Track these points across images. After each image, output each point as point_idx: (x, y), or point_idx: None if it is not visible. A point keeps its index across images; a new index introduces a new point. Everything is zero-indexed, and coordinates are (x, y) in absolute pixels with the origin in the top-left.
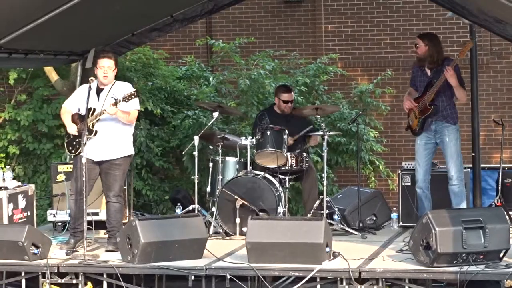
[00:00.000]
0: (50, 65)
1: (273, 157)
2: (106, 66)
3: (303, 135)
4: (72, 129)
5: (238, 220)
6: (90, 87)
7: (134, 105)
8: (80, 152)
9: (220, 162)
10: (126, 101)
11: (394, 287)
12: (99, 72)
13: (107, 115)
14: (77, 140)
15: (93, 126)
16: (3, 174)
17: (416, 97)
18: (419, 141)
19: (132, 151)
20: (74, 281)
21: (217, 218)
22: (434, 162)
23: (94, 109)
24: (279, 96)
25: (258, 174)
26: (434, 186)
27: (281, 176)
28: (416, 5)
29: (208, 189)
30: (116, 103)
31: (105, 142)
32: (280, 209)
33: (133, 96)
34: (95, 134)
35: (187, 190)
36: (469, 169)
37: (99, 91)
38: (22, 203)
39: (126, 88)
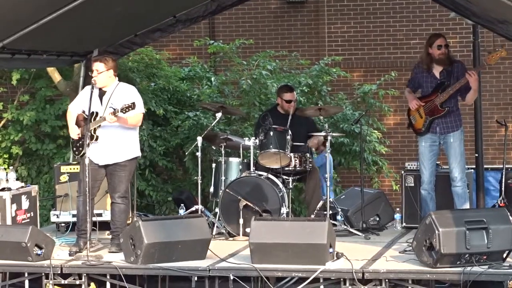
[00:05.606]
0: (53, 66)
1: (276, 157)
2: (94, 69)
3: (306, 135)
4: (73, 133)
5: (241, 221)
6: (93, 87)
7: (138, 109)
8: (84, 154)
9: (223, 162)
10: (124, 113)
11: (397, 287)
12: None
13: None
14: (80, 142)
15: (95, 131)
16: (7, 174)
17: (420, 96)
18: (424, 143)
19: (138, 153)
20: (77, 282)
21: (220, 218)
22: (437, 163)
23: (97, 113)
24: (281, 96)
25: (262, 175)
26: (437, 187)
27: (284, 177)
28: (419, 5)
29: (212, 189)
30: (114, 113)
31: (110, 147)
32: (284, 210)
33: (130, 108)
34: (96, 140)
35: (190, 191)
36: (472, 170)
37: (102, 94)
38: (25, 203)
39: (128, 92)
